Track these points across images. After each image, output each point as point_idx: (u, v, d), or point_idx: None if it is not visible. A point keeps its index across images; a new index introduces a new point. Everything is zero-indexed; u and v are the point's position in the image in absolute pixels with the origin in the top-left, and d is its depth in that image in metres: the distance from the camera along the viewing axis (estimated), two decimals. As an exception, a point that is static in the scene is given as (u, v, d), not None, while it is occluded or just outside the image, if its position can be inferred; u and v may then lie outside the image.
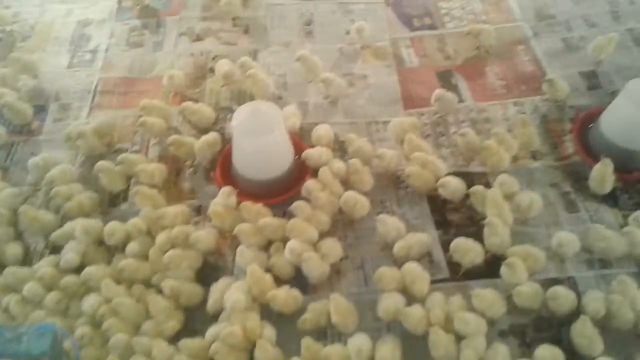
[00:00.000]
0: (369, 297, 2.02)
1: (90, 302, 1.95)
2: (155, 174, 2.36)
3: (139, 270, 2.06)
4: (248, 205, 2.16)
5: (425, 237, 2.11)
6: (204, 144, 2.40)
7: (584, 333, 1.82)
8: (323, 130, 2.45)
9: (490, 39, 2.80)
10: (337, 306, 1.90)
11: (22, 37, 3.07)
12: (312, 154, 2.30)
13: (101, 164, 2.33)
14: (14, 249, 2.19)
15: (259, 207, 2.18)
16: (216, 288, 2.02)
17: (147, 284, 2.06)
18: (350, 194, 2.19)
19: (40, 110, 2.71)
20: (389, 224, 2.12)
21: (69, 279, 2.01)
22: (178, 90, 2.69)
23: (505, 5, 3.08)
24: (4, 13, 3.12)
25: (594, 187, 2.25)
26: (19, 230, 2.28)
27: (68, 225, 2.18)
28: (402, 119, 2.49)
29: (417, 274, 1.98)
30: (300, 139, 2.47)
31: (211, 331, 1.90)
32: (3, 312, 1.95)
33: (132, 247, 2.12)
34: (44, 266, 2.06)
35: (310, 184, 2.21)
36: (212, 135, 2.42)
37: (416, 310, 1.89)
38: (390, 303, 1.92)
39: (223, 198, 2.20)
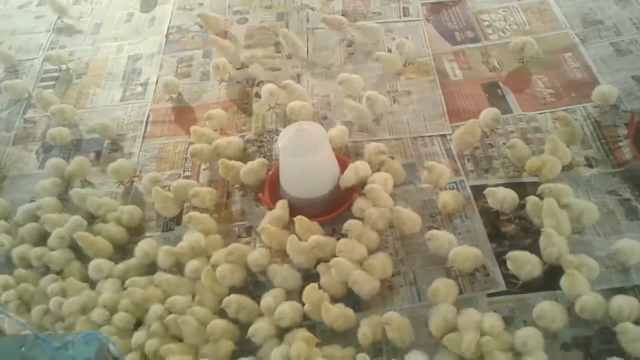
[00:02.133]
0: (423, 312, 1.98)
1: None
2: (207, 198, 2.40)
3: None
4: (303, 219, 2.17)
5: (477, 251, 2.06)
6: (248, 171, 2.43)
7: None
8: (336, 131, 2.48)
9: (533, 49, 2.75)
10: (392, 321, 1.87)
11: (78, 74, 3.23)
12: (347, 177, 2.26)
13: (156, 189, 2.40)
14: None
15: (311, 223, 2.19)
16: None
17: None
18: (401, 211, 2.17)
19: (97, 142, 2.82)
20: (440, 238, 2.08)
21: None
22: (220, 126, 2.74)
23: (549, 14, 3.03)
24: (61, 52, 3.29)
25: (655, 191, 2.16)
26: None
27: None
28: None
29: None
30: (348, 157, 2.48)
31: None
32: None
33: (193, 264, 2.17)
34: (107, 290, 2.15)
35: (360, 202, 2.21)
36: (256, 162, 2.46)
37: (460, 336, 1.82)
38: (439, 319, 1.88)
39: (279, 210, 2.24)
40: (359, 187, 2.28)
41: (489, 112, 2.49)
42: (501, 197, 2.16)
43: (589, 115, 2.53)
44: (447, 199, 2.22)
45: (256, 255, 2.14)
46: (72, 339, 1.50)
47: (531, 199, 2.13)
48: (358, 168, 2.28)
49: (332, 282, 2.05)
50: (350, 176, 2.26)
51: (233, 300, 2.01)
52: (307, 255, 2.12)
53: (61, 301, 2.11)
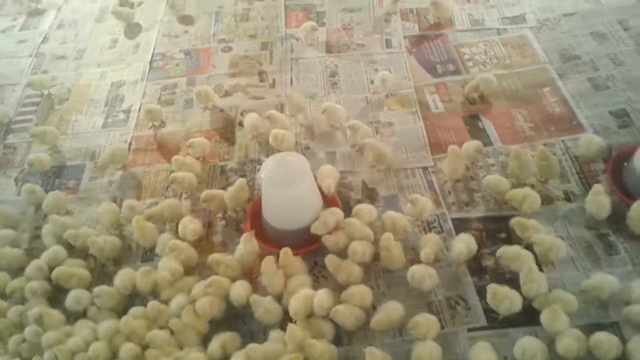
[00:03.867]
0: (405, 347, 1.97)
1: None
2: (185, 181, 2.50)
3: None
4: (288, 253, 2.15)
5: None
6: (234, 192, 2.42)
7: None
8: (327, 170, 2.47)
9: (490, 87, 2.82)
10: (372, 358, 1.85)
11: (60, 100, 3.20)
12: (317, 227, 2.23)
13: (136, 219, 2.36)
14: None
15: (294, 259, 2.17)
16: None
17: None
18: (385, 248, 2.16)
19: (78, 169, 2.79)
20: (418, 273, 2.07)
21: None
22: (202, 155, 2.73)
23: (528, 49, 3.09)
24: (43, 77, 3.26)
25: (633, 227, 2.18)
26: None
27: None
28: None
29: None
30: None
31: None
32: None
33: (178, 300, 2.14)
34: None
35: (331, 238, 2.21)
36: (238, 182, 2.44)
37: None
38: (424, 352, 1.87)
39: (244, 244, 2.22)
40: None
41: (471, 145, 2.52)
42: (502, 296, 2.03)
43: (568, 150, 2.57)
44: (461, 249, 2.12)
45: (238, 289, 2.10)
46: None
47: (505, 251, 2.11)
48: (327, 219, 2.24)
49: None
50: (319, 226, 2.23)
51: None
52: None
53: (38, 331, 2.07)
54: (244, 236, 2.23)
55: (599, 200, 2.23)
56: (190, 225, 2.36)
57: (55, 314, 2.16)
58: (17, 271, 2.37)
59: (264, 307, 2.05)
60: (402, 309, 2.01)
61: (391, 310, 2.00)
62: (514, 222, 2.21)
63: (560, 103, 2.79)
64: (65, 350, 2.00)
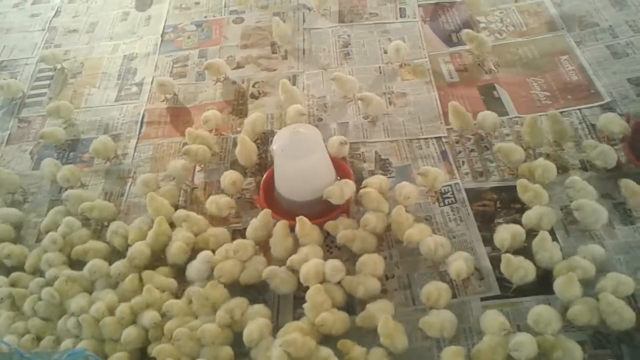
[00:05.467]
0: (417, 315, 1.96)
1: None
2: (199, 153, 2.50)
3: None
4: (304, 222, 2.15)
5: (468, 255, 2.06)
6: (228, 180, 2.41)
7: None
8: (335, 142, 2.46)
9: (483, 48, 2.83)
10: (384, 327, 1.87)
11: (73, 74, 3.21)
12: (331, 192, 2.21)
13: (150, 195, 2.36)
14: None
15: (312, 227, 2.17)
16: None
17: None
18: (399, 216, 2.16)
19: (91, 142, 2.76)
20: (432, 243, 2.06)
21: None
22: (215, 127, 2.72)
23: (545, 16, 3.03)
24: (56, 52, 3.27)
25: (649, 195, 2.15)
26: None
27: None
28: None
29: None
30: (343, 159, 2.48)
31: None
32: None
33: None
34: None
35: (346, 233, 2.17)
36: (233, 174, 2.43)
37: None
38: (433, 320, 1.88)
39: (260, 219, 2.22)
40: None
41: (487, 117, 2.48)
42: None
43: (584, 118, 2.53)
44: (460, 267, 1.99)
45: (253, 328, 1.94)
46: (58, 358, 1.47)
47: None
48: (343, 188, 2.22)
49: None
50: (334, 191, 2.21)
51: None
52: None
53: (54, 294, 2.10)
54: (262, 212, 2.23)
55: (605, 150, 2.25)
56: (222, 199, 2.36)
57: (80, 277, 2.18)
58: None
59: (280, 277, 2.07)
60: (391, 310, 1.97)
61: (379, 311, 1.94)
62: (518, 183, 2.21)
63: (578, 71, 2.73)
64: (89, 319, 2.02)
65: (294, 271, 2.08)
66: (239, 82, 2.99)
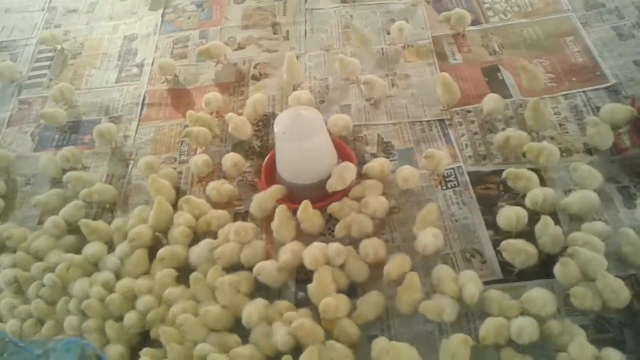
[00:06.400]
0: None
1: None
2: (200, 135, 2.49)
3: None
4: (308, 206, 2.14)
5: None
6: (229, 162, 2.41)
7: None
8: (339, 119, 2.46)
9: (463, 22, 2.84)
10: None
11: (73, 55, 3.18)
12: (333, 184, 2.21)
13: (152, 177, 2.35)
14: None
15: (314, 212, 2.17)
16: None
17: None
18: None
19: (93, 124, 2.75)
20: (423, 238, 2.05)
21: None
22: (216, 109, 2.70)
23: (551, -4, 2.98)
24: (55, 32, 3.23)
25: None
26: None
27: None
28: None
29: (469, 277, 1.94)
30: (346, 142, 2.46)
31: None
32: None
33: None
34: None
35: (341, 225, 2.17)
36: (235, 156, 2.43)
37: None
38: (434, 304, 1.89)
39: (269, 192, 2.22)
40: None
41: (493, 102, 2.44)
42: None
43: (589, 101, 2.50)
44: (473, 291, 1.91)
45: (251, 309, 1.94)
46: (54, 346, 1.47)
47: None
48: (343, 173, 2.21)
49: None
50: (335, 182, 2.20)
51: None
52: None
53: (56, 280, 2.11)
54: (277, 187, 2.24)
55: (601, 130, 2.23)
56: (223, 186, 2.36)
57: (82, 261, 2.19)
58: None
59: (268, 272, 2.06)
60: (382, 302, 1.96)
61: (370, 304, 1.95)
62: (507, 172, 2.19)
63: (583, 53, 2.70)
64: (93, 304, 2.03)
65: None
66: (239, 63, 2.96)
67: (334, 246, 2.05)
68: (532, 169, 2.21)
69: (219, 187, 2.34)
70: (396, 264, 1.99)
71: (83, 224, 2.25)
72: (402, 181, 2.23)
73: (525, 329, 1.76)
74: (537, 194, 2.09)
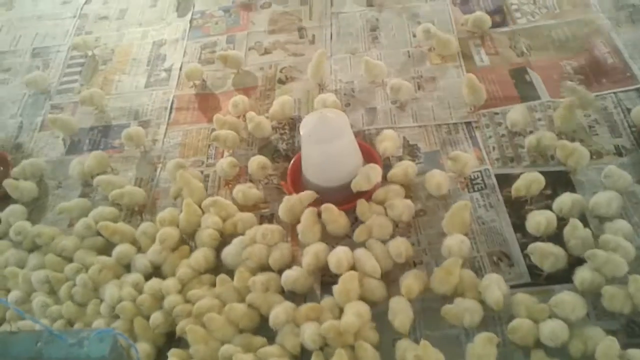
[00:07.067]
0: (445, 302, 1.93)
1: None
2: (229, 139, 2.53)
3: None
4: (331, 209, 2.15)
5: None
6: (256, 165, 2.42)
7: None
8: (388, 134, 2.43)
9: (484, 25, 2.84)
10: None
11: (103, 61, 3.25)
12: (358, 183, 2.20)
13: (180, 173, 2.38)
14: None
15: (339, 213, 2.18)
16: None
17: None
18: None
19: (122, 128, 2.80)
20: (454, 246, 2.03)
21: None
22: (244, 113, 2.71)
23: (580, -3, 2.94)
24: (87, 38, 3.31)
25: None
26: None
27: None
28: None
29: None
30: (371, 145, 2.46)
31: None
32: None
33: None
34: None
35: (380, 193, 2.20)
36: (261, 159, 2.45)
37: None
38: (455, 309, 1.88)
39: (303, 195, 2.23)
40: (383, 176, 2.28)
41: (517, 114, 2.40)
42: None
43: (620, 102, 2.46)
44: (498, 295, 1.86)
45: (278, 310, 1.95)
46: (87, 336, 1.49)
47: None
48: (369, 174, 2.21)
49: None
50: (361, 182, 2.21)
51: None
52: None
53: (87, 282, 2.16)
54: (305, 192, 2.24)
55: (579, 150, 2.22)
56: (251, 190, 2.38)
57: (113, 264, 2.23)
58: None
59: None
60: (368, 313, 1.92)
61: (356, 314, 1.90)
62: (557, 144, 2.21)
63: (613, 54, 2.65)
64: (127, 306, 2.07)
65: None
66: (266, 67, 2.98)
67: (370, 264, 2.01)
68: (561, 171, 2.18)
69: (245, 190, 2.36)
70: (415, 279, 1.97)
71: (102, 226, 2.29)
72: (435, 188, 2.22)
73: (556, 331, 1.74)
74: (564, 202, 2.06)
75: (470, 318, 1.84)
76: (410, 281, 1.94)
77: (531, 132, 2.40)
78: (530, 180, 2.14)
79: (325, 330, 1.84)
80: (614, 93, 2.50)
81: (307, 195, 2.23)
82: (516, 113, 2.40)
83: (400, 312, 1.89)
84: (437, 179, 2.21)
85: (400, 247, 2.04)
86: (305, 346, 1.87)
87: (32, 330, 1.84)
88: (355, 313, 1.87)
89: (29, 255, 2.36)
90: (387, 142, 2.35)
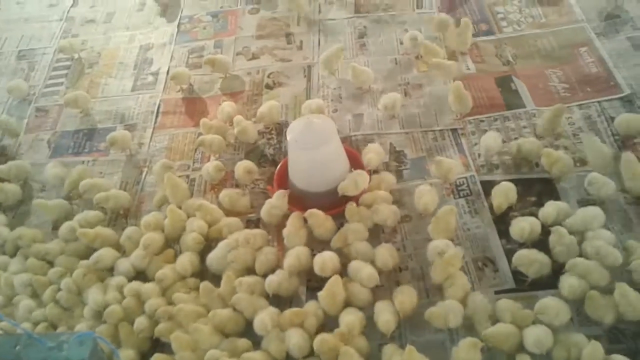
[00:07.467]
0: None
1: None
2: (215, 144, 2.53)
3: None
4: (317, 214, 2.15)
5: None
6: (242, 169, 2.43)
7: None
8: (373, 147, 2.43)
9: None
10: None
11: (90, 64, 3.23)
12: (346, 187, 2.21)
13: (168, 175, 2.37)
14: None
15: (325, 217, 2.18)
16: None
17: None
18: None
19: (108, 132, 2.76)
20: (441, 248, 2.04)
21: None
22: (230, 118, 2.70)
23: (565, 7, 2.98)
24: (73, 41, 3.29)
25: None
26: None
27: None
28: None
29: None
30: (358, 151, 2.46)
31: None
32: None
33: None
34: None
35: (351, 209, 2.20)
36: (248, 163, 2.45)
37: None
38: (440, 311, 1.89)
39: (276, 199, 2.22)
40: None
41: (492, 140, 2.37)
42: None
43: (604, 111, 2.49)
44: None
45: (263, 316, 1.94)
46: (66, 339, 1.47)
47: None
48: (357, 180, 2.22)
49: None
50: (348, 186, 2.21)
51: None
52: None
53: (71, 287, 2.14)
54: (278, 192, 2.23)
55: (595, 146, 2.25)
56: (238, 197, 2.37)
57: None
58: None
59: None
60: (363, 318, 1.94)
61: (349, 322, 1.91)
62: (543, 152, 2.23)
63: (598, 63, 2.69)
64: (116, 310, 2.05)
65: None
66: (253, 72, 2.98)
67: (367, 271, 2.00)
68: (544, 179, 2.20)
69: (231, 195, 2.35)
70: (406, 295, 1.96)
71: (82, 233, 2.26)
72: (422, 208, 2.20)
73: (541, 338, 1.75)
74: (548, 212, 2.07)
75: (454, 318, 1.84)
76: (405, 298, 1.94)
77: (516, 138, 2.42)
78: (504, 192, 2.16)
79: (318, 344, 1.82)
80: (598, 102, 2.53)
81: (277, 195, 2.22)
82: (490, 139, 2.38)
83: (385, 313, 1.89)
84: (425, 199, 2.19)
85: (386, 255, 2.05)
86: (290, 353, 1.86)
87: (11, 333, 1.82)
88: (353, 313, 1.91)
89: (11, 259, 2.33)
90: (371, 154, 2.35)
